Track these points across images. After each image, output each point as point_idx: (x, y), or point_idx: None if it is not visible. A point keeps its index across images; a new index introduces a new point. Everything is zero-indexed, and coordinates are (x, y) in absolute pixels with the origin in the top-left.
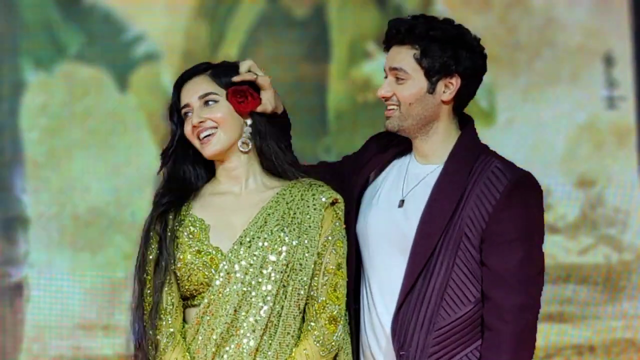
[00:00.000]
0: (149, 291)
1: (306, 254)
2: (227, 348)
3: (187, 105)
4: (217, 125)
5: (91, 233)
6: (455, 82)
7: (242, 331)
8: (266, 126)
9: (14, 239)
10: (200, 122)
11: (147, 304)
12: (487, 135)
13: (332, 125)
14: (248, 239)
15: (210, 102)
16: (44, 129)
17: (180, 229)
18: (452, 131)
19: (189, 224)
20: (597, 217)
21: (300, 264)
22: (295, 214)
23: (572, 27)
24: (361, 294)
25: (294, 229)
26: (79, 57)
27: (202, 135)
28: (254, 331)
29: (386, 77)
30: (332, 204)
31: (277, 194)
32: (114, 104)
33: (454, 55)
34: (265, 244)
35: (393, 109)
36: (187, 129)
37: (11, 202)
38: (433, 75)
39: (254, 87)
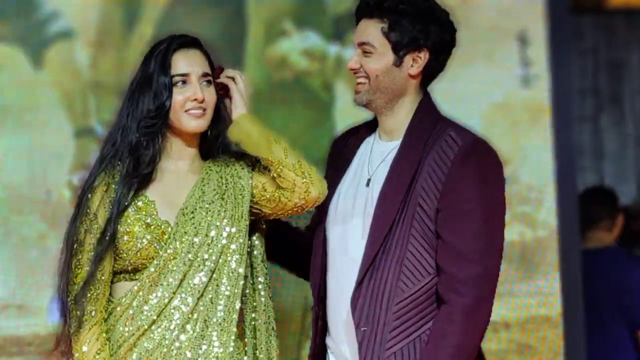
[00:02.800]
0: (78, 262)
1: (244, 214)
2: (165, 317)
3: (185, 75)
4: (207, 108)
5: (5, 212)
6: (423, 56)
7: (179, 298)
8: (225, 114)
9: None
10: (203, 99)
11: (74, 276)
12: None
13: (249, 103)
14: (190, 211)
15: (207, 83)
16: None
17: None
18: (417, 106)
19: (135, 199)
20: (511, 195)
21: (241, 227)
22: (227, 180)
23: (486, 7)
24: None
25: (230, 194)
26: None
27: (193, 112)
28: (191, 295)
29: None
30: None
31: (204, 167)
32: (28, 81)
33: (423, 29)
34: (208, 213)
35: (363, 83)
36: (180, 98)
37: None
38: (400, 49)
39: None
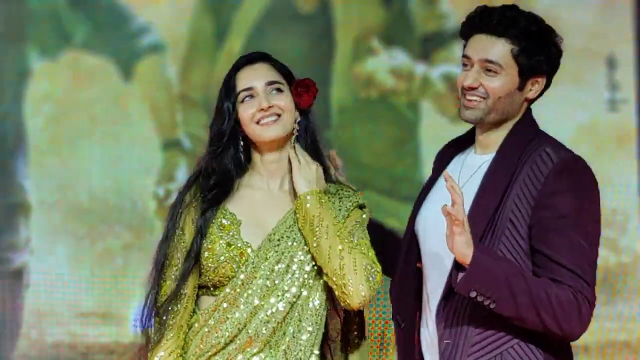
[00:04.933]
0: (164, 277)
1: None
2: (239, 339)
3: (250, 89)
4: (281, 113)
5: (92, 221)
6: (541, 81)
7: (255, 323)
8: (313, 126)
9: (16, 225)
10: (270, 106)
11: (159, 290)
12: None
13: (335, 119)
14: (277, 237)
15: (276, 91)
16: (48, 116)
17: (212, 220)
18: (516, 121)
19: (221, 216)
20: None
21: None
22: None
23: (575, 29)
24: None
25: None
26: (84, 45)
27: (264, 121)
28: (268, 322)
29: (466, 65)
30: (359, 207)
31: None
32: (118, 93)
33: (547, 55)
34: (295, 243)
35: (477, 100)
36: (248, 112)
37: (13, 189)
38: (526, 73)
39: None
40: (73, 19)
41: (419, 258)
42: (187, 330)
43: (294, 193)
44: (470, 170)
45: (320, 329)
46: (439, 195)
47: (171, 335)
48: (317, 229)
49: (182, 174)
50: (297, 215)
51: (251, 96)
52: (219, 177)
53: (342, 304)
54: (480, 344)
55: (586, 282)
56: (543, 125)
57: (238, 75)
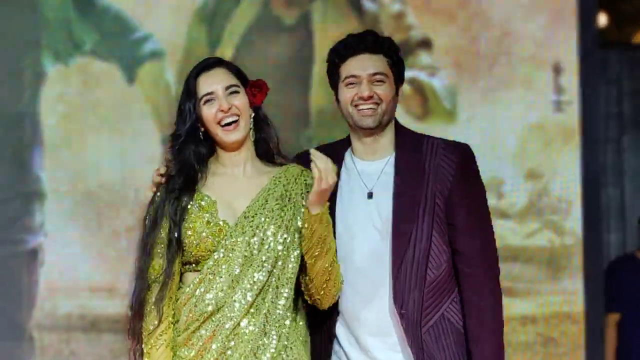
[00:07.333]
0: (152, 266)
1: (299, 229)
2: (226, 307)
3: (211, 93)
4: (240, 114)
5: (100, 207)
6: (402, 88)
7: (239, 292)
8: (266, 119)
9: (32, 211)
10: (229, 108)
11: (149, 278)
12: (449, 131)
13: (314, 118)
14: (252, 214)
15: (234, 93)
16: (61, 115)
17: (191, 203)
18: (395, 127)
19: (198, 199)
20: (542, 206)
21: (295, 238)
22: (291, 194)
23: (526, 39)
24: None
25: (290, 208)
26: (93, 52)
27: (225, 121)
28: (250, 290)
29: (353, 83)
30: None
31: (274, 177)
32: (123, 95)
33: (404, 67)
34: (267, 219)
35: (373, 108)
36: (211, 112)
37: (30, 179)
38: (397, 80)
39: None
40: (83, 29)
41: None
42: (175, 302)
43: (256, 175)
44: (374, 175)
45: (293, 295)
46: (353, 196)
47: (164, 306)
48: (319, 246)
49: None
50: (304, 226)
51: (211, 100)
52: (185, 170)
53: (306, 293)
54: (429, 309)
55: (493, 267)
56: (496, 123)
57: (198, 80)
